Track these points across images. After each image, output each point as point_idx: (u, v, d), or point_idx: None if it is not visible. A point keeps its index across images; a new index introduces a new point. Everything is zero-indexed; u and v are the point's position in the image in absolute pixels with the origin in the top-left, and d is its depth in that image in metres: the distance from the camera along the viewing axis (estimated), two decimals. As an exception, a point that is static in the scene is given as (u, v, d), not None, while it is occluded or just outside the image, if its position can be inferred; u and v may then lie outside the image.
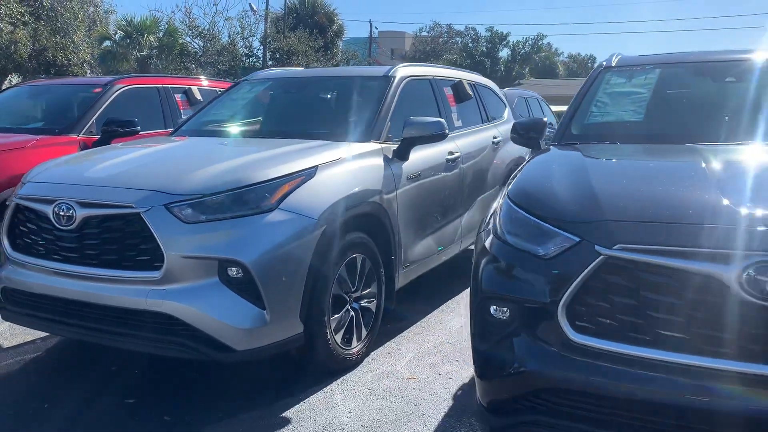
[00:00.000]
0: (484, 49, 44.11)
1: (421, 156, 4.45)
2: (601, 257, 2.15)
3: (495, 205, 3.10)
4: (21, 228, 3.53)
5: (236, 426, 3.11)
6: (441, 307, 4.96)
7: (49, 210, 3.32)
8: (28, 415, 3.22)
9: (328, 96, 4.84)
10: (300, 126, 4.47)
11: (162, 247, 3.05)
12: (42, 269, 3.41)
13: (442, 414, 3.23)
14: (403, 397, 3.41)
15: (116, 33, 27.73)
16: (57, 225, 3.30)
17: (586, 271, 2.16)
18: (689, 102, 3.55)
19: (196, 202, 3.15)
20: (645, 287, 2.09)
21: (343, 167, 3.74)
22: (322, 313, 3.45)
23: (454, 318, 4.71)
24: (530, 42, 44.81)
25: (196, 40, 29.78)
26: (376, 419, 3.17)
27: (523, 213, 2.50)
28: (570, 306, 2.21)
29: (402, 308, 4.45)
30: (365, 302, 3.87)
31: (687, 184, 2.44)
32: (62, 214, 3.27)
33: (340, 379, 3.62)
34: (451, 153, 4.91)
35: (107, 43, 28.11)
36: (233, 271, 3.10)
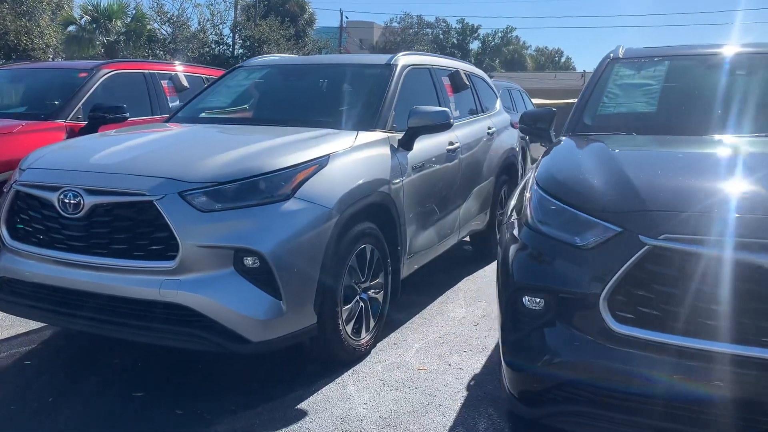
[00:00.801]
0: (455, 41, 44.22)
1: (424, 146, 4.42)
2: (646, 247, 2.15)
3: (513, 200, 3.09)
4: (21, 216, 3.39)
5: (251, 418, 3.05)
6: (441, 298, 4.95)
7: (53, 197, 3.19)
8: (32, 411, 3.10)
9: (331, 84, 4.76)
10: (304, 114, 4.39)
11: (177, 237, 2.97)
12: (44, 259, 3.29)
13: (459, 405, 3.21)
14: (416, 388, 3.39)
15: (82, 17, 27.05)
16: (62, 213, 3.18)
17: (630, 261, 2.16)
18: (701, 94, 3.57)
19: (211, 190, 3.07)
20: (690, 277, 2.10)
21: (353, 156, 3.69)
22: (335, 303, 3.40)
23: (455, 308, 4.71)
24: (500, 35, 45.05)
25: (164, 27, 29.23)
26: (393, 410, 3.14)
27: (558, 203, 2.49)
28: (611, 296, 2.21)
29: (402, 299, 4.42)
30: (373, 293, 3.83)
31: (723, 174, 2.46)
32: (68, 201, 3.15)
33: (351, 370, 3.58)
34: (451, 143, 4.88)
35: (72, 27, 27.41)
36: (249, 261, 3.04)
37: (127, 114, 5.54)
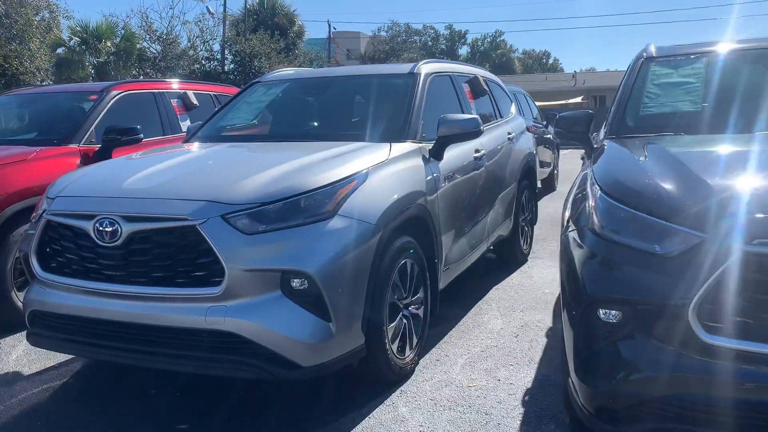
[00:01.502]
0: (444, 47, 44.26)
1: (453, 155, 4.32)
2: (739, 254, 2.05)
3: (567, 210, 2.98)
4: (53, 246, 3.26)
5: (306, 447, 2.93)
6: (473, 310, 4.83)
7: (89, 226, 3.07)
8: (76, 449, 2.98)
9: (355, 95, 4.65)
10: (332, 128, 4.30)
11: (222, 261, 2.85)
12: (79, 290, 3.16)
13: (518, 422, 3.10)
14: (470, 407, 3.27)
15: (71, 39, 26.93)
16: (98, 242, 3.05)
17: (721, 268, 2.05)
18: (747, 90, 3.47)
19: (254, 212, 2.95)
20: (788, 282, 2.00)
21: (390, 169, 3.58)
22: (381, 322, 3.29)
23: (491, 320, 4.59)
24: (488, 39, 45.14)
25: (154, 45, 29.12)
26: (452, 432, 3.03)
27: (629, 209, 2.39)
28: (700, 305, 2.10)
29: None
30: (413, 309, 3.72)
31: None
32: (104, 229, 3.02)
33: (398, 390, 3.46)
34: (477, 150, 4.80)
35: (61, 50, 27.27)
36: (296, 283, 2.92)
37: (141, 135, 5.42)
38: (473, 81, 5.41)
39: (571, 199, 3.02)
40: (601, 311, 2.33)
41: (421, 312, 3.79)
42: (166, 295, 2.96)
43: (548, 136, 11.61)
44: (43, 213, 3.33)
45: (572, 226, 2.77)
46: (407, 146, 3.91)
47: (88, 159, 5.21)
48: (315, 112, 4.65)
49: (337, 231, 3.05)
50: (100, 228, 3.03)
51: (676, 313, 2.13)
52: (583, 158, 5.56)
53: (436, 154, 4.10)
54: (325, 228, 3.02)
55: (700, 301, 2.09)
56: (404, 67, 4.71)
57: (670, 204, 2.30)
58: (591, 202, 2.62)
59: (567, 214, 2.93)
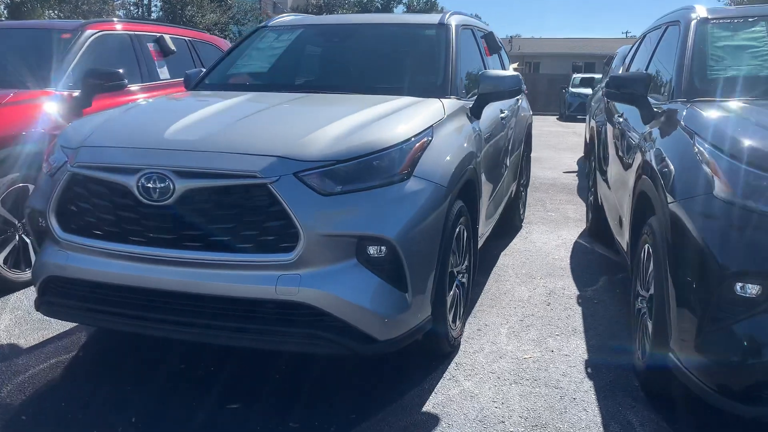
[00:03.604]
0: (379, 5, 43.51)
1: (488, 114, 4.09)
2: None
3: (660, 179, 2.80)
4: (79, 204, 2.82)
5: (379, 426, 2.69)
6: (492, 277, 4.68)
7: (131, 182, 2.65)
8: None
9: (386, 46, 4.28)
10: (370, 80, 3.94)
11: (298, 225, 2.52)
12: (114, 254, 2.75)
13: (593, 396, 2.96)
14: (536, 380, 3.11)
15: (-19, -26, 24.77)
16: (143, 200, 2.65)
17: None
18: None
19: (329, 171, 2.62)
20: None
21: (449, 127, 3.32)
22: (445, 291, 3.07)
23: (514, 287, 4.45)
24: (424, 0, 44.70)
25: (76, -14, 27.14)
26: (530, 408, 2.85)
27: None
28: None
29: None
30: (461, 277, 3.50)
31: None
32: (152, 186, 2.62)
33: (454, 363, 3.26)
34: (502, 111, 4.58)
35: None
36: (373, 250, 2.64)
37: (126, 81, 4.90)
38: (489, 36, 5.16)
39: (658, 170, 2.84)
40: (738, 285, 2.18)
41: (465, 280, 3.58)
42: (226, 261, 2.60)
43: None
44: (63, 165, 2.88)
45: (668, 197, 2.60)
46: (455, 103, 3.64)
47: (68, 105, 4.65)
48: (345, 62, 4.24)
49: (414, 193, 2.77)
50: (147, 184, 2.63)
51: None
52: (605, 123, 5.44)
53: (476, 112, 3.85)
54: (403, 190, 2.74)
55: None
56: (431, 17, 4.40)
57: None
58: (708, 169, 2.45)
59: (658, 183, 2.76)
